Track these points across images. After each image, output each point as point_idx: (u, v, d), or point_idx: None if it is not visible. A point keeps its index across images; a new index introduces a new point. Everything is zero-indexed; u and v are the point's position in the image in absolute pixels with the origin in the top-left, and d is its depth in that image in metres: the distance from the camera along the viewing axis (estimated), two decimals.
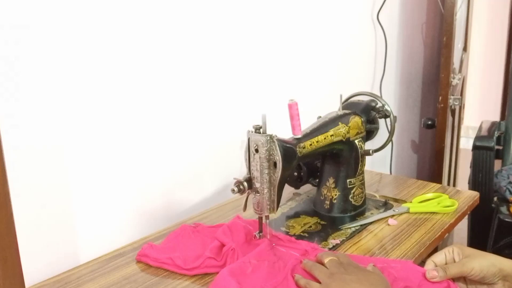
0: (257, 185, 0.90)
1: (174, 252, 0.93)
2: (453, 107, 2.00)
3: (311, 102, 1.46)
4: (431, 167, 2.43)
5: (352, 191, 1.08)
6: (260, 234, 0.94)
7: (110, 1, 0.94)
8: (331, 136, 1.01)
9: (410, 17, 2.08)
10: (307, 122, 1.02)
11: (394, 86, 2.03)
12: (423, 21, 2.23)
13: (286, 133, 0.95)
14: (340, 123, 1.03)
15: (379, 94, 1.75)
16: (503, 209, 1.78)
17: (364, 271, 0.80)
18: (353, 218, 1.07)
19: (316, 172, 1.15)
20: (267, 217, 0.92)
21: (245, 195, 0.93)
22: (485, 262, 0.81)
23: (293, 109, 0.93)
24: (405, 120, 2.21)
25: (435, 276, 0.81)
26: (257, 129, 0.89)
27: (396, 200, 1.16)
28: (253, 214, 0.96)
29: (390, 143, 1.25)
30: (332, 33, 1.59)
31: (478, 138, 1.86)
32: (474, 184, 1.83)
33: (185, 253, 0.92)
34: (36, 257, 0.89)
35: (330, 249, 0.95)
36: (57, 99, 0.88)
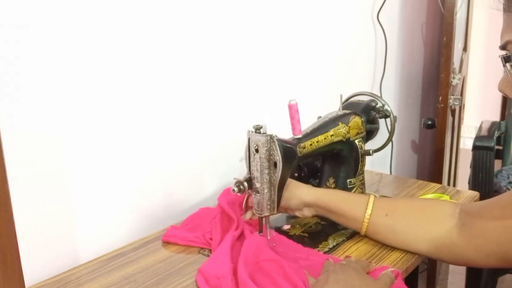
0: (257, 185, 0.90)
1: (198, 231, 0.99)
2: (453, 107, 2.00)
3: (311, 102, 1.46)
4: (431, 167, 2.43)
5: (352, 191, 1.08)
6: (260, 234, 0.94)
7: (110, 0, 0.94)
8: (331, 136, 1.01)
9: (410, 17, 2.08)
10: (307, 122, 1.02)
11: (394, 86, 2.03)
12: (423, 21, 2.23)
13: (286, 133, 0.95)
14: (340, 123, 1.03)
15: (379, 94, 1.75)
16: None
17: (358, 276, 0.79)
18: None
19: (316, 173, 1.14)
20: (267, 217, 0.93)
21: (245, 195, 0.93)
22: (287, 195, 0.96)
23: (293, 109, 0.93)
24: (405, 120, 2.21)
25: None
26: (257, 129, 0.89)
27: None
28: (252, 214, 0.96)
29: (390, 143, 1.25)
30: (332, 33, 1.58)
31: (478, 138, 1.85)
32: (474, 184, 1.83)
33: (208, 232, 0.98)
34: (36, 257, 0.89)
35: (330, 249, 0.95)
36: (57, 99, 0.88)
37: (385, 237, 0.94)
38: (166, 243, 0.99)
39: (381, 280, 0.80)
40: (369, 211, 0.93)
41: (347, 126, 1.04)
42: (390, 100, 1.99)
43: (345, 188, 1.07)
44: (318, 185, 1.11)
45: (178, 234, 0.99)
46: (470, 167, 1.85)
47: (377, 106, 1.16)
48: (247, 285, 0.77)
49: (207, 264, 0.86)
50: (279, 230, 1.02)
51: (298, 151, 0.95)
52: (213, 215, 1.01)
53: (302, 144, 0.96)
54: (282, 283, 0.79)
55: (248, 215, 0.97)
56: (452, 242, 0.86)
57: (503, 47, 0.72)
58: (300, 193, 0.97)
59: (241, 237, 0.94)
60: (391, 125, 1.16)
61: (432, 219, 0.90)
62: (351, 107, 1.12)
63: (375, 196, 0.96)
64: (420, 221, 0.91)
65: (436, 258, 0.95)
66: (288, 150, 0.92)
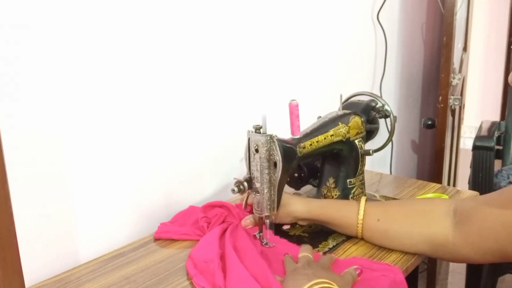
0: (257, 185, 0.90)
1: (188, 225, 1.02)
2: (453, 107, 2.00)
3: (311, 102, 1.46)
4: (431, 167, 2.43)
5: (352, 191, 1.08)
6: (260, 234, 0.94)
7: (110, 0, 0.94)
8: (331, 136, 1.01)
9: (410, 17, 2.08)
10: (307, 122, 1.02)
11: (394, 86, 2.03)
12: (423, 21, 2.23)
13: (286, 133, 0.95)
14: (340, 123, 1.03)
15: (379, 94, 1.75)
16: None
17: (325, 272, 0.80)
18: None
19: (316, 173, 1.14)
20: (267, 217, 0.93)
21: (245, 195, 0.93)
22: (281, 214, 0.99)
23: (294, 109, 0.93)
24: (405, 120, 2.21)
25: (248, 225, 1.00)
26: (257, 129, 0.89)
27: None
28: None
29: (390, 143, 1.25)
30: (332, 33, 1.59)
31: (478, 138, 1.86)
32: (474, 184, 1.83)
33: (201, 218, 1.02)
34: (36, 257, 0.89)
35: (330, 249, 0.95)
36: (57, 99, 0.88)
37: (380, 241, 0.95)
38: (161, 240, 1.00)
39: (343, 277, 0.81)
40: (360, 217, 0.94)
41: (347, 126, 1.04)
42: (390, 100, 2.00)
43: (345, 188, 1.07)
44: (318, 185, 1.11)
45: (171, 229, 1.01)
46: (470, 167, 1.86)
47: (377, 106, 1.16)
48: (236, 267, 0.80)
49: (196, 250, 0.89)
50: (279, 230, 1.02)
51: (298, 151, 0.95)
52: (205, 206, 1.06)
53: (302, 144, 0.96)
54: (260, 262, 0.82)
55: (249, 223, 1.00)
56: (448, 241, 0.86)
57: None
58: (293, 211, 0.99)
59: (228, 228, 0.97)
60: (391, 125, 1.16)
61: (426, 220, 0.89)
62: (351, 107, 1.12)
63: (366, 201, 0.96)
64: (414, 224, 0.91)
65: (434, 256, 0.95)
66: (288, 150, 0.92)
